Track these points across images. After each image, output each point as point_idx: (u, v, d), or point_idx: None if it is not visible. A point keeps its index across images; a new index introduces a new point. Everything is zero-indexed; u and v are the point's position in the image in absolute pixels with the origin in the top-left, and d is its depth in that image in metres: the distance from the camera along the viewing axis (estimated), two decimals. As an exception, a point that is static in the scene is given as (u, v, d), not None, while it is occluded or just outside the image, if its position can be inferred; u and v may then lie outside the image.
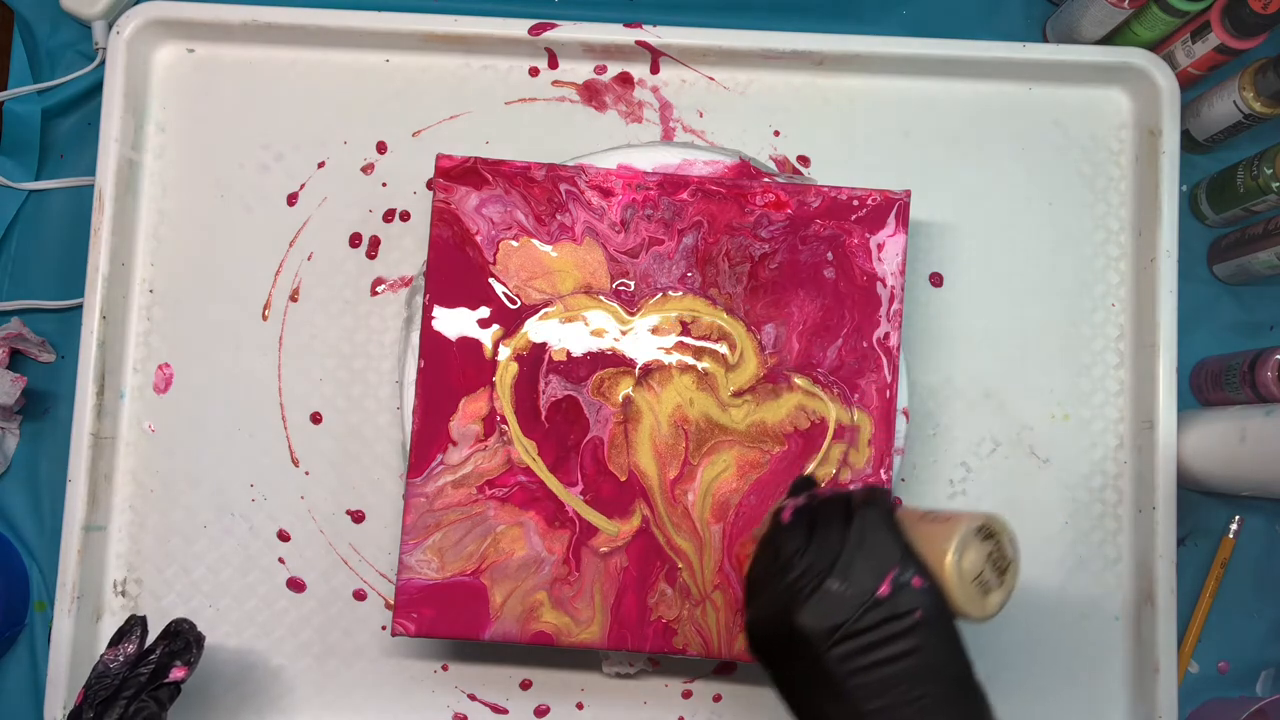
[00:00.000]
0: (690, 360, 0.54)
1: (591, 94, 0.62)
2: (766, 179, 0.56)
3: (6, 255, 0.63)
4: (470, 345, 0.54)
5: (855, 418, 0.54)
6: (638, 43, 0.61)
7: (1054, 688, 0.59)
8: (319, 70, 0.62)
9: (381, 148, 0.62)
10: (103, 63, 0.61)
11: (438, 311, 0.54)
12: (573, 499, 0.53)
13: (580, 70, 0.62)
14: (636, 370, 0.54)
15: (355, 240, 0.61)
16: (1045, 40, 0.65)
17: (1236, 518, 0.61)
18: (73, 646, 0.57)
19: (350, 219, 0.61)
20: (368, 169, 0.62)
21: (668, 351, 0.54)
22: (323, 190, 0.62)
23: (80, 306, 0.59)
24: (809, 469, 0.53)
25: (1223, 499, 0.62)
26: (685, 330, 0.54)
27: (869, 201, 0.55)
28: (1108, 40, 0.62)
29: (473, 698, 0.59)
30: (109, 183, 0.59)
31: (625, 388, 0.54)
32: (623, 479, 0.53)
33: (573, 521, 0.53)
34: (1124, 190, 0.62)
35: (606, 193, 0.55)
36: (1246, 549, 0.62)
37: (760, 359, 0.54)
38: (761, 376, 0.54)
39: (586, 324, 0.54)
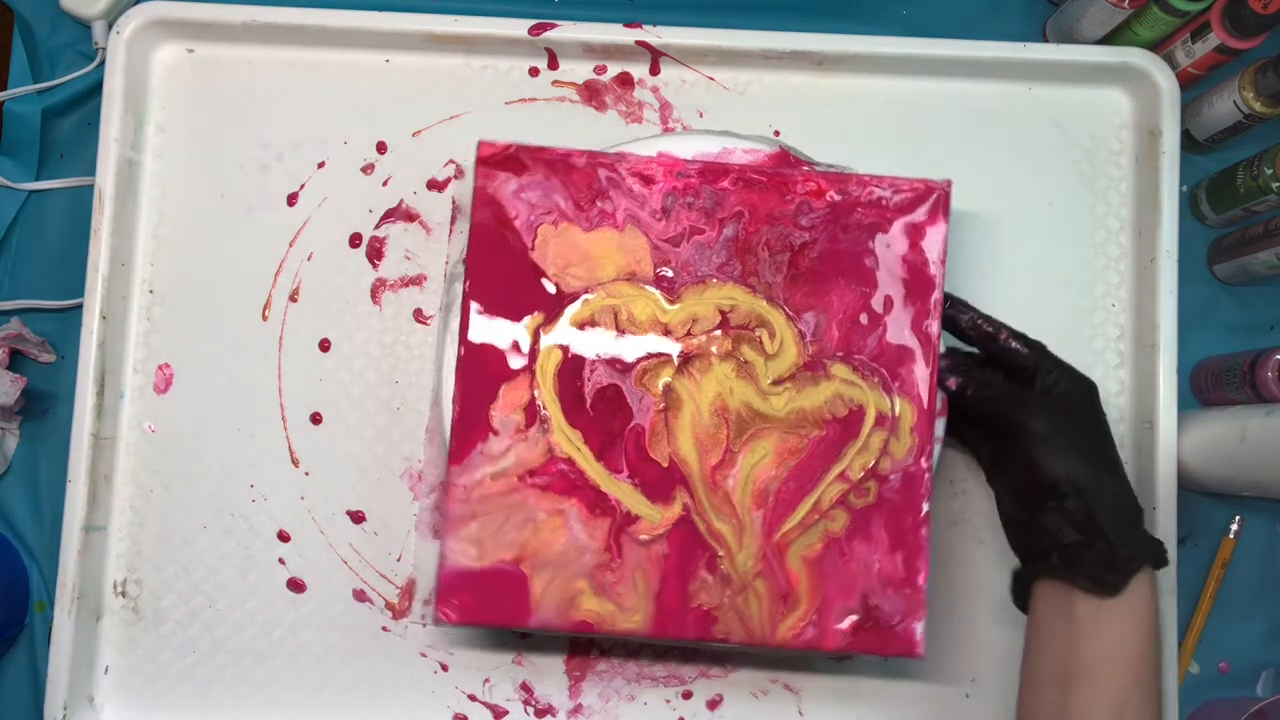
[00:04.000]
0: (730, 348, 0.54)
1: (591, 94, 0.62)
2: (806, 167, 0.55)
3: (6, 255, 0.63)
4: (511, 332, 0.54)
5: (897, 406, 0.53)
6: (638, 43, 0.61)
7: (1054, 688, 0.59)
8: (319, 70, 0.62)
9: (381, 148, 0.62)
10: (103, 63, 0.61)
11: (477, 298, 0.54)
12: (620, 486, 0.53)
13: (580, 70, 0.62)
14: (676, 359, 0.54)
15: (355, 240, 0.61)
16: (1045, 40, 0.65)
17: (1236, 518, 0.61)
18: (73, 646, 0.57)
19: (350, 219, 0.61)
20: (368, 169, 0.62)
21: (708, 340, 0.54)
22: (323, 190, 0.62)
23: (80, 306, 0.59)
24: (847, 457, 0.53)
25: (1223, 499, 0.62)
26: (725, 318, 0.54)
27: (910, 190, 0.54)
28: (1108, 40, 0.62)
29: (473, 698, 0.59)
30: (109, 183, 0.59)
31: (665, 376, 0.53)
32: (664, 466, 0.53)
33: (613, 509, 0.53)
34: (1124, 190, 0.62)
35: (647, 180, 0.54)
36: (1246, 549, 0.62)
37: (800, 347, 0.54)
38: (801, 365, 0.54)
39: (628, 311, 0.54)
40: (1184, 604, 0.59)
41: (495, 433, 0.53)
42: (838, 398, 0.53)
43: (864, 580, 0.53)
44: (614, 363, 0.53)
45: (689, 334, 0.54)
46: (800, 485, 0.53)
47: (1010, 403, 0.51)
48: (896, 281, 0.54)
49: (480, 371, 0.53)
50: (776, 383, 0.53)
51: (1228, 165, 0.61)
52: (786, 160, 0.56)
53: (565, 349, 0.53)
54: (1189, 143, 0.63)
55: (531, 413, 0.53)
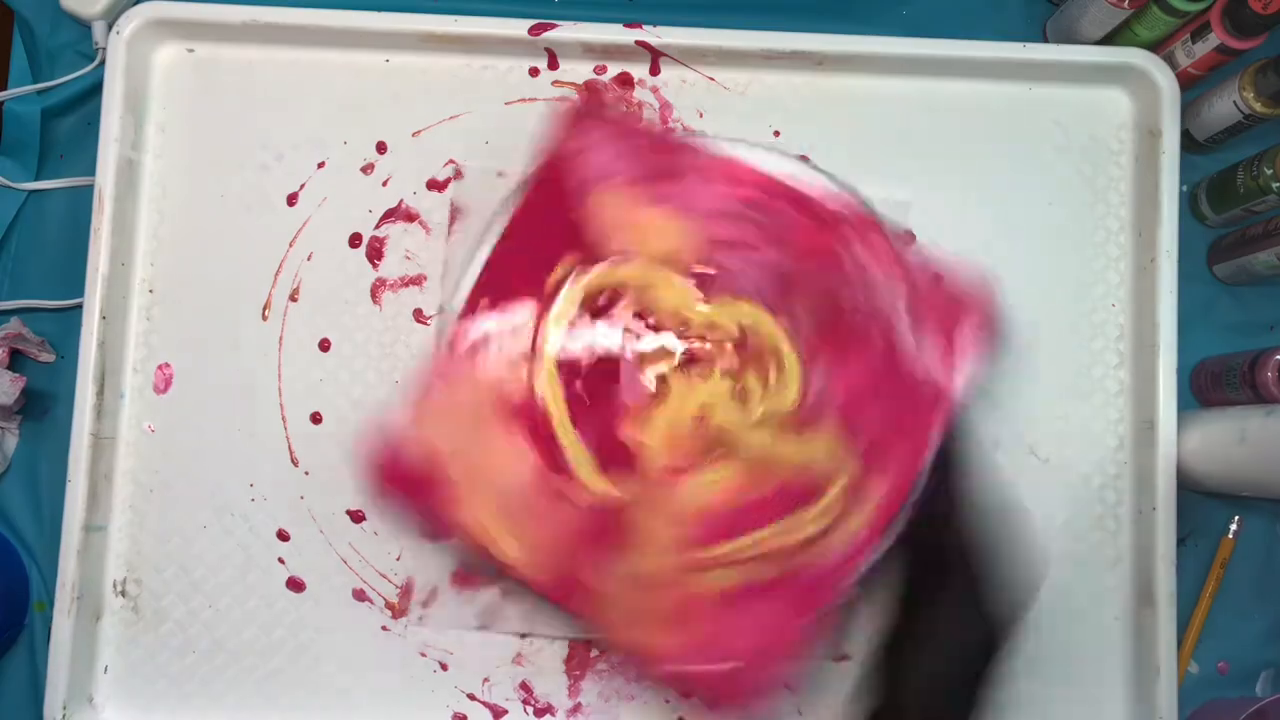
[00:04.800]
0: (735, 367, 0.53)
1: (592, 94, 0.62)
2: (875, 222, 0.54)
3: (6, 255, 0.63)
4: (542, 263, 0.53)
5: (868, 483, 0.52)
6: (637, 43, 0.61)
7: (1054, 688, 0.59)
8: (319, 70, 0.62)
9: (381, 148, 0.62)
10: (103, 63, 0.61)
11: (520, 229, 0.53)
12: (577, 446, 0.52)
13: (580, 70, 0.62)
14: (679, 355, 0.53)
15: (355, 240, 0.61)
16: (1045, 40, 0.65)
17: (1236, 518, 0.61)
18: (72, 646, 0.57)
19: (350, 219, 0.61)
20: (368, 169, 0.62)
21: (718, 350, 0.53)
22: (323, 190, 0.62)
23: (80, 306, 0.59)
24: (801, 517, 0.52)
25: (1223, 499, 0.62)
26: (743, 337, 0.53)
27: (963, 295, 0.53)
28: (1108, 40, 0.62)
29: (472, 697, 0.59)
30: (109, 183, 0.59)
31: (665, 366, 0.53)
32: (628, 449, 0.52)
33: (561, 465, 0.52)
34: (1124, 190, 0.62)
35: (714, 176, 0.53)
36: (1246, 549, 0.62)
37: (801, 394, 0.53)
38: (795, 411, 0.53)
39: (656, 294, 0.53)
40: (1184, 604, 0.59)
41: (499, 312, 0.53)
42: (815, 459, 0.52)
43: (750, 638, 0.51)
44: (625, 334, 0.53)
45: (702, 337, 0.53)
46: (741, 522, 0.52)
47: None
48: (919, 374, 0.52)
49: (504, 277, 0.53)
50: (763, 420, 0.52)
51: (1228, 165, 0.61)
52: (854, 211, 0.54)
53: (587, 299, 0.53)
54: (1189, 143, 0.63)
55: (530, 336, 0.53)
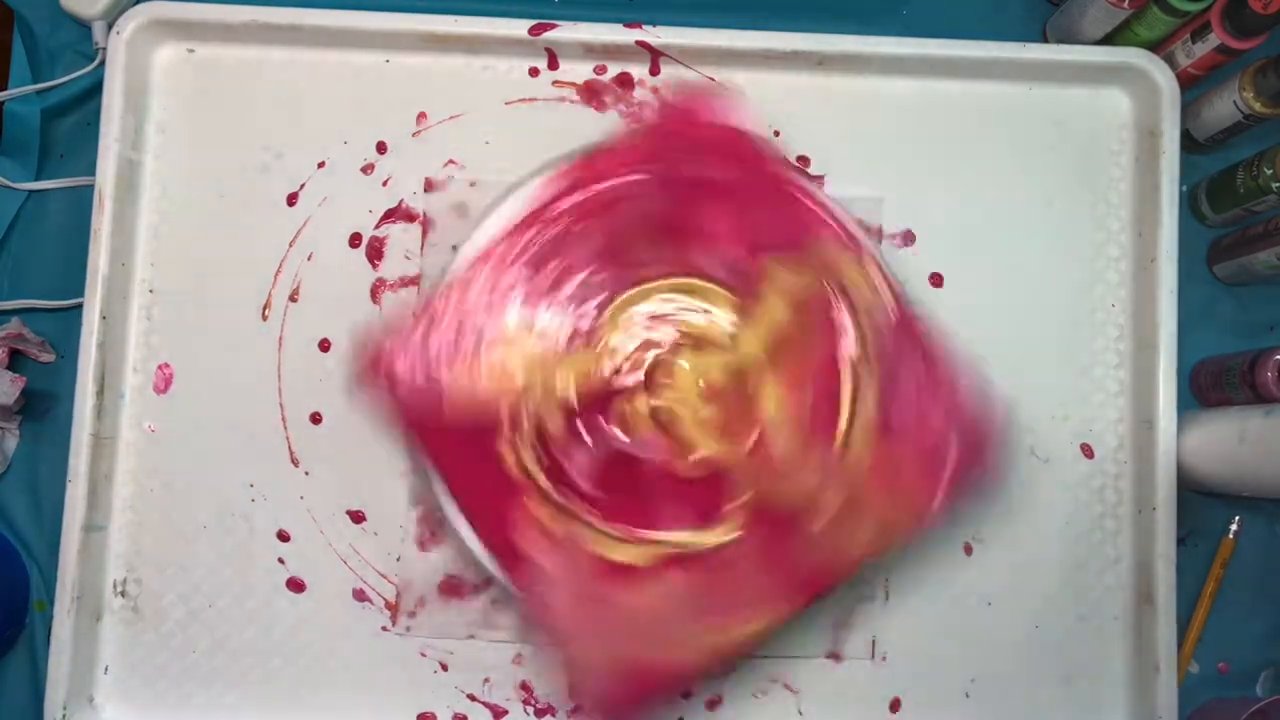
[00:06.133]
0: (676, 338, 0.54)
1: (591, 94, 0.62)
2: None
3: (6, 255, 0.63)
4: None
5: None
6: (638, 43, 0.61)
7: (1054, 688, 0.59)
8: (319, 70, 0.62)
9: (381, 148, 0.62)
10: (103, 63, 0.61)
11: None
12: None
13: (580, 70, 0.62)
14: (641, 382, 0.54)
15: (355, 240, 0.61)
16: (1045, 40, 0.65)
17: (1236, 518, 0.61)
18: (73, 646, 0.57)
19: (350, 219, 0.61)
20: (368, 169, 0.62)
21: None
22: (323, 190, 0.62)
23: (80, 306, 0.59)
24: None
25: (1223, 499, 0.62)
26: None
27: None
28: (1108, 40, 0.62)
29: (473, 698, 0.59)
30: (109, 183, 0.59)
31: (641, 407, 0.53)
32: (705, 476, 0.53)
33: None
34: (1124, 190, 0.62)
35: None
36: (1246, 549, 0.62)
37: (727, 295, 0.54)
38: (737, 302, 0.54)
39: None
40: (1184, 604, 0.59)
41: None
42: (794, 287, 0.53)
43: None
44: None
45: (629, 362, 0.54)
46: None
47: None
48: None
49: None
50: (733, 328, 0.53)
51: (1228, 165, 0.61)
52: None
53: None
54: (1189, 143, 0.63)
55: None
